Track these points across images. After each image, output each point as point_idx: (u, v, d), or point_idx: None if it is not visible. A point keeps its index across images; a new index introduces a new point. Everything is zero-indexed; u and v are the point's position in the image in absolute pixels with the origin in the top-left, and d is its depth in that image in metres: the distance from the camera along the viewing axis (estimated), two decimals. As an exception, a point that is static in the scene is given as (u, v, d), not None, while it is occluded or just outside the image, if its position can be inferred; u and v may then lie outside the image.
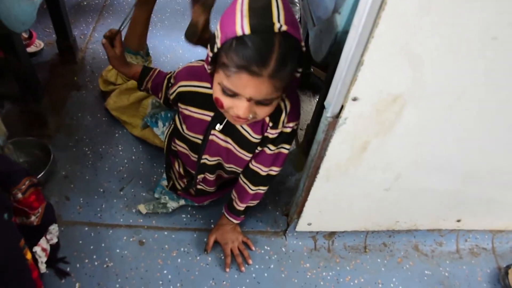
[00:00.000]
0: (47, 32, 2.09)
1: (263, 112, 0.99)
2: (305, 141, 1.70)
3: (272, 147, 1.19)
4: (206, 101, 1.13)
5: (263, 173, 1.25)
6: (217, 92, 0.99)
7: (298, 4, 2.28)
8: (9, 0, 1.18)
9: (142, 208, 1.48)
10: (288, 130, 1.15)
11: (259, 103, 0.96)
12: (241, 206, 1.37)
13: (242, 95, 0.93)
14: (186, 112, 1.20)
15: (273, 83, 0.89)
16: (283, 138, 1.17)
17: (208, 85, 1.12)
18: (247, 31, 0.85)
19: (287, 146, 1.21)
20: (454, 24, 0.82)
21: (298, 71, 0.97)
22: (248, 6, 0.87)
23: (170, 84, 1.25)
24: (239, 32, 0.86)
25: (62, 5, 1.75)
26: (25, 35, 1.91)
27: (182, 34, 1.38)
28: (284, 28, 0.85)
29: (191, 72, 1.18)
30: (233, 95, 0.95)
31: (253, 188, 1.30)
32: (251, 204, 1.37)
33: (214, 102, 1.02)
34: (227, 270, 1.38)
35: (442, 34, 0.84)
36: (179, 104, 1.21)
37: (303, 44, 0.92)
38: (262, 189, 1.32)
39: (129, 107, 1.67)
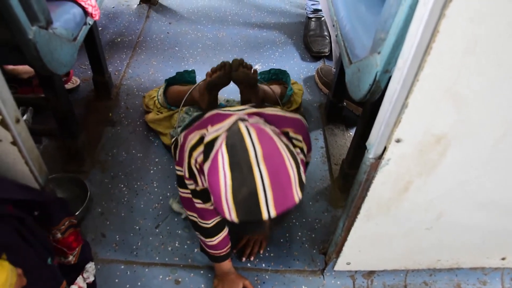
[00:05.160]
0: (83, 69, 2.15)
1: None
2: (340, 177, 1.68)
3: None
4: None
5: None
6: None
7: (328, 38, 2.29)
8: (52, 44, 1.21)
9: (175, 205, 1.52)
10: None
11: None
12: None
13: None
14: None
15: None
16: None
17: None
18: (236, 220, 0.84)
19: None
20: (500, 63, 0.80)
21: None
22: (232, 196, 0.82)
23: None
24: (228, 218, 0.85)
25: (98, 43, 1.80)
26: (63, 73, 1.96)
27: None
28: (274, 214, 0.83)
29: (191, 130, 1.14)
30: None
31: None
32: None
33: None
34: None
35: (488, 74, 0.82)
36: None
37: (304, 176, 0.92)
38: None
39: (163, 119, 1.74)
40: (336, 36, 1.47)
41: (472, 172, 1.06)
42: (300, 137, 1.09)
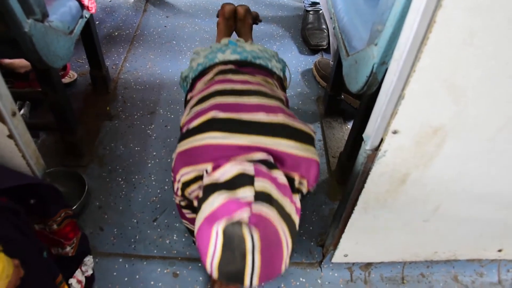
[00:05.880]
0: (80, 63, 2.14)
1: None
2: (338, 169, 1.68)
3: None
4: None
5: None
6: None
7: (325, 31, 2.28)
8: (48, 37, 1.21)
9: None
10: None
11: None
12: None
13: None
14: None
15: None
16: None
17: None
18: (216, 278, 0.80)
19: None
20: (497, 55, 0.80)
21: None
22: (218, 266, 0.77)
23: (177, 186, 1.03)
24: (209, 273, 0.80)
25: (95, 36, 1.79)
26: (59, 67, 1.95)
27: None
28: (256, 284, 0.77)
29: (184, 158, 1.00)
30: None
31: None
32: None
33: None
34: None
35: (485, 66, 0.82)
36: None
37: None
38: None
39: None
40: (333, 29, 1.47)
41: (469, 164, 1.06)
42: (305, 182, 0.99)
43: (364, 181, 1.08)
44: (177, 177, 0.98)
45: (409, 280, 1.48)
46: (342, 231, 1.27)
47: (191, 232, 1.21)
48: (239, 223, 0.74)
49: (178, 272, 1.42)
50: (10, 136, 0.96)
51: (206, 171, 0.91)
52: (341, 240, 1.30)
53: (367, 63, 1.06)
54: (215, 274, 0.78)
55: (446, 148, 0.99)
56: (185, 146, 0.98)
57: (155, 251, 1.47)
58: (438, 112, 0.90)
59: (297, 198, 0.91)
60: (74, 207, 1.49)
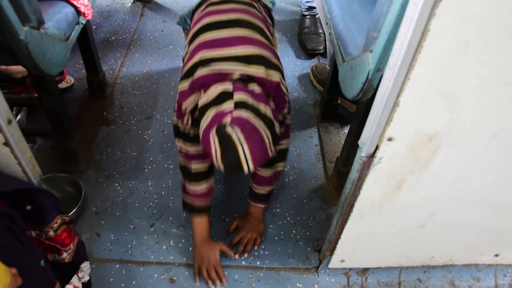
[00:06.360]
0: (77, 68, 2.14)
1: None
2: (334, 174, 1.69)
3: None
4: None
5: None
6: None
7: (322, 35, 2.29)
8: (44, 44, 1.21)
9: None
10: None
11: None
12: (260, 191, 1.46)
13: None
14: None
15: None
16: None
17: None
18: (222, 170, 1.05)
19: (289, 116, 1.35)
20: (491, 63, 0.81)
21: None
22: (221, 160, 1.04)
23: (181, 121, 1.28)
24: (216, 167, 1.07)
25: (92, 42, 1.79)
26: (56, 72, 1.95)
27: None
28: (252, 169, 1.04)
29: (184, 93, 1.22)
30: None
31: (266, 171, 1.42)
32: (272, 187, 1.48)
33: None
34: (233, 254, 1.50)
35: (479, 74, 0.82)
36: None
37: (277, 126, 1.10)
38: (280, 167, 1.42)
39: None
40: (329, 34, 1.47)
41: (464, 171, 1.06)
42: (271, 100, 1.22)
43: (360, 188, 1.08)
44: (183, 108, 1.22)
45: (406, 285, 1.48)
46: (339, 237, 1.27)
47: (185, 172, 1.39)
48: (225, 125, 1.01)
49: (175, 278, 1.42)
50: (6, 144, 0.96)
51: (200, 95, 1.15)
52: (338, 246, 1.31)
53: (362, 69, 1.06)
54: (222, 168, 1.05)
55: (441, 154, 0.99)
56: (183, 85, 1.21)
57: (152, 257, 1.47)
58: (433, 119, 0.91)
59: (270, 101, 1.17)
60: (71, 213, 1.48)
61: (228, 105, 1.05)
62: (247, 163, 1.03)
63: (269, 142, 1.06)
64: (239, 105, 1.04)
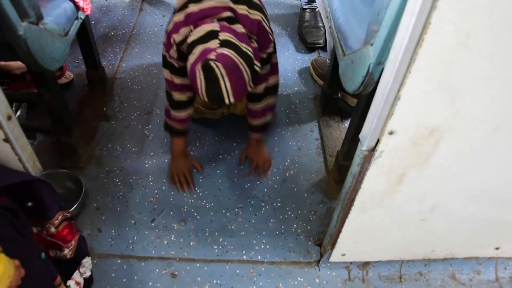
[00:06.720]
0: (76, 63, 2.13)
1: None
2: (335, 168, 1.68)
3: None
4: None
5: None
6: None
7: (322, 29, 2.28)
8: (43, 39, 1.21)
9: None
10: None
11: None
12: (255, 122, 1.63)
13: None
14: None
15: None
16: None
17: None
18: (206, 100, 1.21)
19: (275, 55, 1.50)
20: (492, 56, 0.80)
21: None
22: (206, 91, 1.18)
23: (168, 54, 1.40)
24: (201, 97, 1.22)
25: (91, 37, 1.79)
26: (56, 67, 1.95)
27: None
28: (233, 101, 1.19)
29: (174, 28, 1.32)
30: None
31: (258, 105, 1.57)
32: (266, 119, 1.62)
33: None
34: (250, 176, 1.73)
35: (480, 67, 0.82)
36: None
37: (256, 63, 1.23)
38: (270, 101, 1.58)
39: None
40: (329, 28, 1.47)
41: (465, 164, 1.06)
42: (255, 37, 1.36)
43: (361, 182, 1.08)
44: (171, 40, 1.34)
45: (407, 279, 1.48)
46: (340, 231, 1.27)
47: (170, 100, 1.56)
48: (209, 60, 1.14)
49: (176, 273, 1.42)
50: (6, 140, 0.96)
51: (190, 31, 1.28)
52: (339, 240, 1.31)
53: (363, 63, 1.06)
54: (206, 99, 1.20)
55: (442, 148, 0.99)
56: (179, 17, 1.31)
57: (153, 252, 1.47)
58: (434, 113, 0.91)
59: (253, 41, 1.33)
60: (72, 209, 1.48)
61: (214, 43, 1.17)
62: (228, 95, 1.18)
63: (248, 78, 1.20)
64: (223, 43, 1.17)
